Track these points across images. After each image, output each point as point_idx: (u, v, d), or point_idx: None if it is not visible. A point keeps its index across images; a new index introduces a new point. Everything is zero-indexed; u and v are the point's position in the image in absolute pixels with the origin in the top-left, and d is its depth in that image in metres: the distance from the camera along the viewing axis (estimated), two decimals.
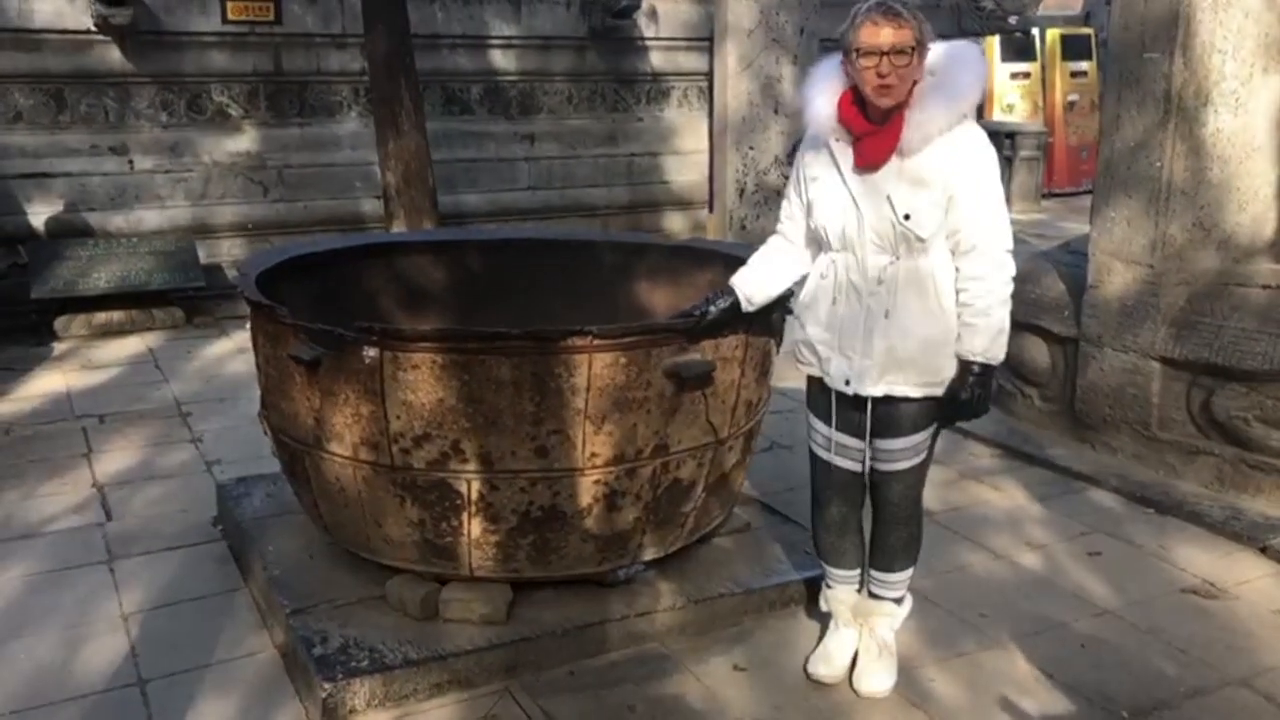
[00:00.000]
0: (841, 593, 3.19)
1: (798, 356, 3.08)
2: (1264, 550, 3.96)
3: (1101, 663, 3.28)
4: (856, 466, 3.04)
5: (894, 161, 2.77)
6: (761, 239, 9.59)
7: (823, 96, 2.84)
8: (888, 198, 2.77)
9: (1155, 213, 4.48)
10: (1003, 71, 12.83)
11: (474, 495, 3.09)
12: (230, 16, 7.76)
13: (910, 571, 3.14)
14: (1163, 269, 4.50)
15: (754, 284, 3.12)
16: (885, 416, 2.94)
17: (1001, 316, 2.82)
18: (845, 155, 2.84)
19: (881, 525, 3.09)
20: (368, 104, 8.22)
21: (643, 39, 9.07)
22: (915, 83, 2.74)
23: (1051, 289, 5.06)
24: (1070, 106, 13.18)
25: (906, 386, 2.88)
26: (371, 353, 3.00)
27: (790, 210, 3.06)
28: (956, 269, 2.81)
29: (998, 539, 4.10)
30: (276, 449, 3.51)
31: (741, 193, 8.71)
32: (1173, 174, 4.43)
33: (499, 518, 3.12)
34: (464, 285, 4.43)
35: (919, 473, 3.03)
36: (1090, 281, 4.77)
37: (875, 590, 3.15)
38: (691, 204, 9.45)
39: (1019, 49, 12.71)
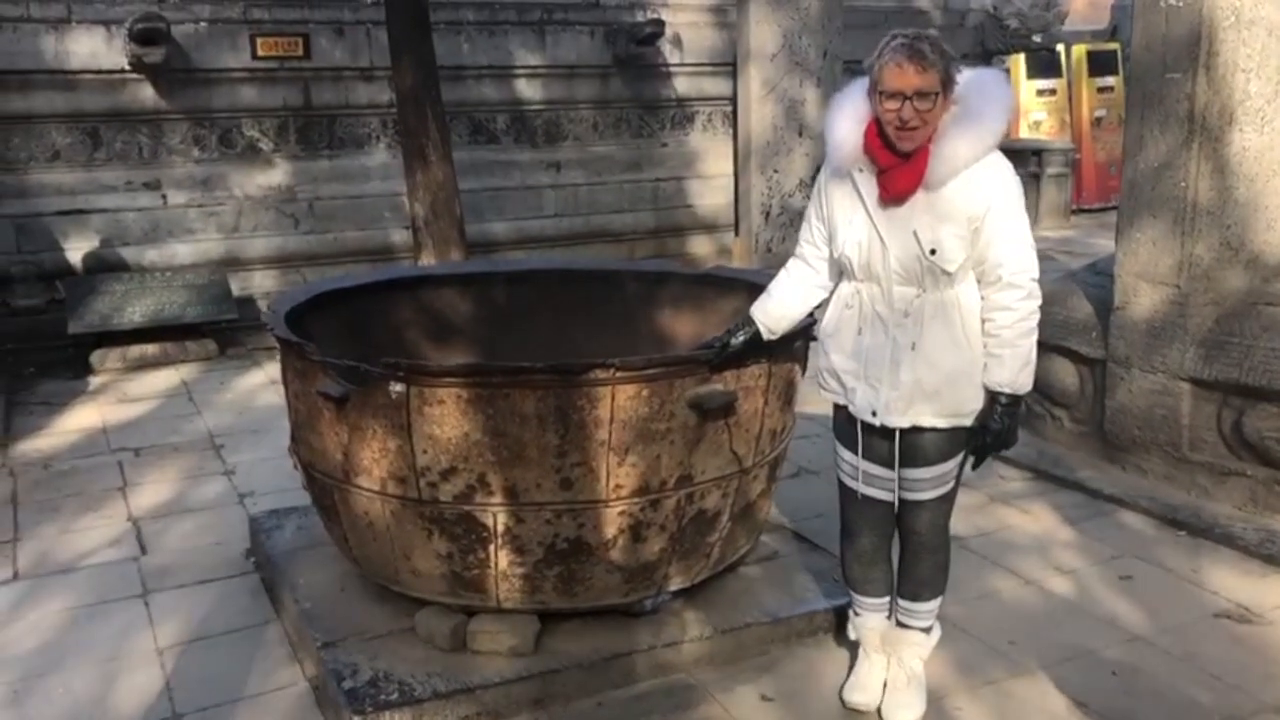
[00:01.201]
0: (870, 620, 3.19)
1: (821, 384, 3.10)
2: None
3: (1134, 690, 3.25)
4: (886, 495, 3.04)
5: (919, 194, 2.77)
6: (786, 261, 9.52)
7: (847, 125, 2.84)
8: (914, 233, 2.77)
9: (1181, 233, 4.46)
10: (1029, 89, 12.78)
11: (500, 528, 3.12)
12: (260, 53, 7.89)
13: (939, 601, 3.13)
14: (1190, 289, 4.48)
15: (773, 314, 3.13)
16: (912, 447, 2.94)
17: (1029, 346, 2.82)
18: (869, 187, 2.84)
19: (909, 554, 3.09)
20: (396, 135, 8.32)
21: (666, 65, 9.14)
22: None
23: (1078, 310, 5.04)
24: (1097, 122, 13.11)
25: (933, 417, 2.88)
26: (398, 388, 3.04)
27: (810, 234, 3.06)
28: (982, 299, 2.81)
29: (1027, 564, 4.08)
30: (306, 483, 3.56)
31: (767, 215, 8.75)
32: (1198, 194, 4.41)
33: (525, 550, 3.15)
34: (489, 317, 4.47)
35: (946, 502, 3.03)
36: (1117, 303, 4.75)
37: (903, 620, 3.14)
38: (717, 228, 9.48)
39: (1045, 66, 12.67)
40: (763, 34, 8.46)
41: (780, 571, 3.82)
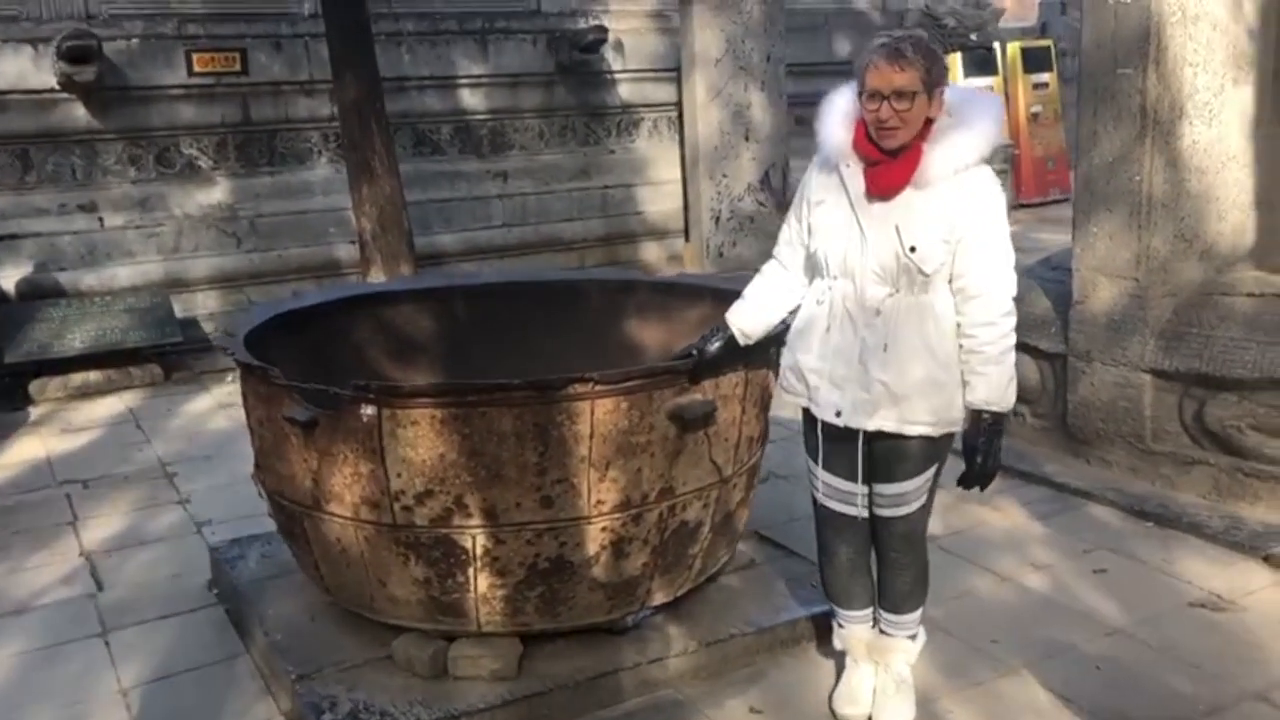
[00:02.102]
0: (855, 631, 3.16)
1: (784, 385, 3.06)
2: (1267, 559, 3.96)
3: (1118, 684, 3.26)
4: (854, 511, 3.01)
5: (906, 193, 2.75)
6: (738, 265, 9.61)
7: (837, 120, 2.83)
8: (895, 227, 2.75)
9: (1137, 226, 4.50)
10: (966, 87, 12.93)
11: (479, 550, 3.05)
12: (196, 69, 7.72)
13: (920, 610, 3.10)
14: (1148, 282, 4.53)
15: (749, 318, 3.10)
16: (882, 458, 2.91)
17: (1011, 363, 2.80)
18: (856, 181, 2.81)
19: (886, 569, 3.06)
20: (338, 149, 8.18)
21: (610, 72, 9.09)
22: (930, 120, 2.73)
23: (1036, 306, 5.08)
24: (1034, 118, 13.29)
25: (898, 423, 2.83)
26: (369, 411, 2.95)
27: (789, 235, 3.03)
28: (961, 314, 2.78)
29: (1002, 561, 4.08)
30: (273, 511, 3.46)
31: (717, 220, 8.75)
32: (1152, 187, 4.46)
33: (506, 571, 3.07)
34: (451, 333, 4.39)
35: (920, 517, 3.00)
36: (1076, 297, 4.79)
37: (887, 629, 3.11)
38: (667, 233, 9.45)
39: (981, 63, 12.82)
40: (706, 39, 8.45)
41: (759, 580, 3.79)
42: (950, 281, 2.79)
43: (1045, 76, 13.48)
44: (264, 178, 8.13)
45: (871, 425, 2.87)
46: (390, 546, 3.10)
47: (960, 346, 2.81)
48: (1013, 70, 13.21)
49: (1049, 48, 13.68)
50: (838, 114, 2.86)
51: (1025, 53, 13.20)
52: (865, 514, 3.02)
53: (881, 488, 2.96)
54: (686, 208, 9.18)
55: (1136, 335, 4.56)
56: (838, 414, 2.90)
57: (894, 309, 2.80)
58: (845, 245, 2.84)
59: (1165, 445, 4.55)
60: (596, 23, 8.80)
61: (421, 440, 2.96)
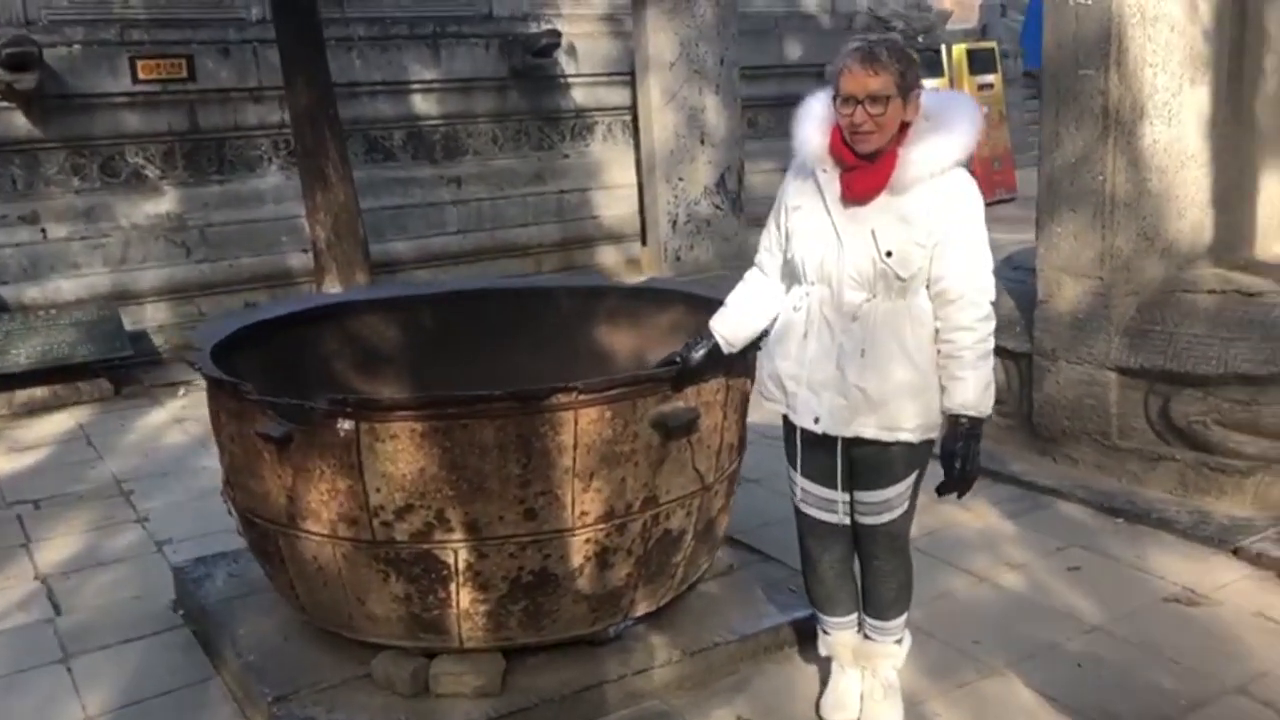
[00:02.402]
0: (840, 637, 3.14)
1: (763, 392, 3.03)
2: (1236, 552, 4.01)
3: (1101, 682, 3.28)
4: (835, 518, 2.99)
5: (882, 197, 2.74)
6: (696, 269, 9.60)
7: (813, 125, 2.81)
8: (871, 232, 2.74)
9: (1101, 226, 4.55)
10: None
11: (461, 565, 2.99)
12: (141, 76, 7.55)
13: (905, 615, 3.09)
14: (1112, 280, 4.57)
15: (732, 326, 3.07)
16: (862, 465, 2.89)
17: (988, 367, 2.79)
18: (832, 186, 2.79)
19: (870, 576, 3.05)
20: (289, 156, 8.06)
21: (564, 76, 9.05)
22: (906, 124, 2.72)
23: (1001, 306, 5.01)
24: None
25: (876, 429, 2.81)
26: (346, 425, 2.88)
27: (769, 241, 3.01)
28: (939, 318, 2.77)
29: (977, 561, 4.10)
30: (244, 529, 3.36)
31: (674, 224, 8.73)
32: (1115, 187, 4.50)
33: (489, 586, 3.02)
34: (419, 343, 4.32)
35: (904, 523, 2.99)
36: (1040, 296, 4.83)
37: (872, 635, 3.10)
38: (623, 238, 9.42)
39: (927, 65, 12.93)
40: (660, 42, 8.43)
41: (739, 586, 3.76)
42: (928, 285, 2.78)
43: (990, 78, 13.64)
44: (213, 186, 7.97)
45: (850, 432, 2.85)
46: (369, 563, 3.03)
47: (938, 351, 2.80)
48: (959, 72, 13.36)
49: (993, 49, 13.87)
50: (814, 119, 2.85)
51: (970, 54, 13.36)
52: (847, 521, 3.00)
53: (863, 495, 2.94)
54: (643, 212, 9.15)
55: (1101, 333, 4.60)
56: (816, 420, 2.88)
57: (871, 314, 2.79)
58: (822, 250, 2.82)
59: (1131, 442, 4.60)
60: (550, 27, 8.75)
61: (401, 454, 2.89)
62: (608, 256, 9.36)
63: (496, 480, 2.92)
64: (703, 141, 8.71)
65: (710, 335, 3.06)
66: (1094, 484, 4.63)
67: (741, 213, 9.01)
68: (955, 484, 2.83)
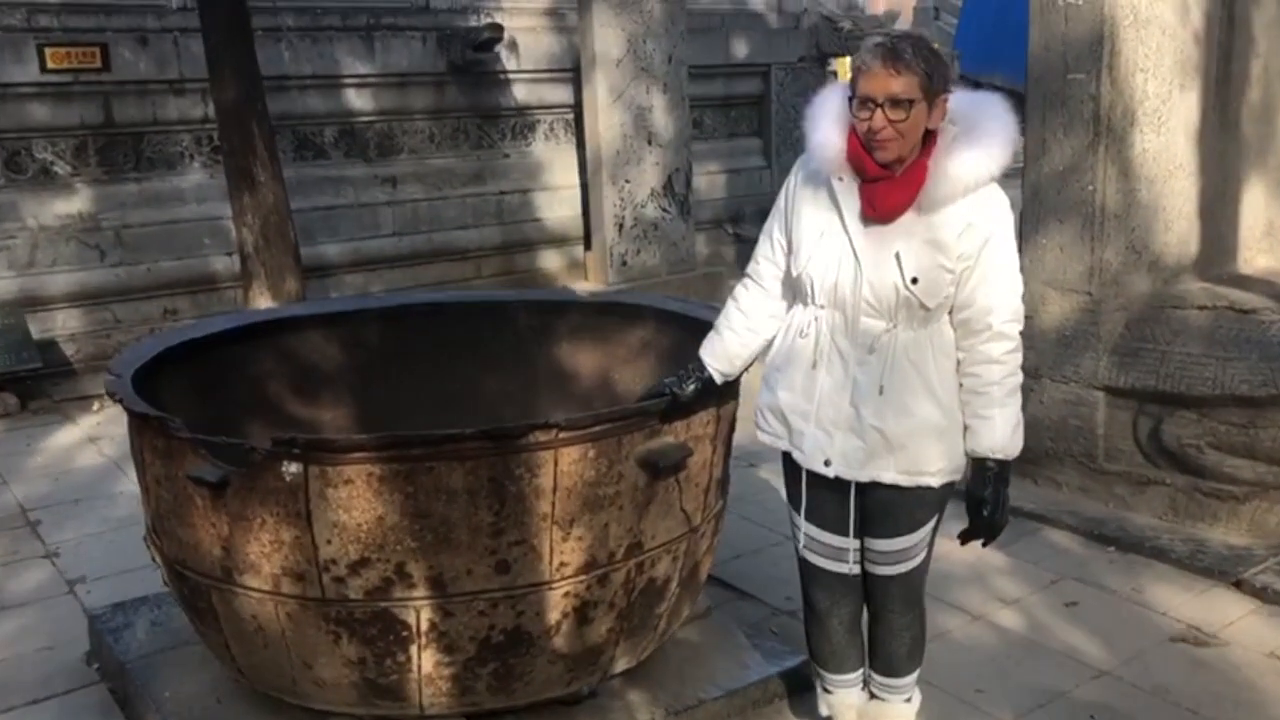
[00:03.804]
0: (844, 697, 2.85)
1: (761, 425, 2.73)
2: (1238, 585, 3.81)
3: None
4: (845, 569, 2.70)
5: (908, 215, 2.44)
6: (643, 274, 9.22)
7: (828, 125, 2.48)
8: (896, 255, 2.44)
9: (1090, 238, 4.33)
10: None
11: (424, 625, 2.63)
12: (51, 65, 6.99)
13: (918, 672, 2.82)
14: (1101, 296, 4.35)
15: (727, 354, 2.75)
16: (877, 511, 2.61)
17: (1017, 405, 2.52)
18: (850, 199, 2.49)
19: (881, 630, 2.76)
20: (212, 153, 7.57)
21: (504, 72, 8.65)
22: (932, 132, 2.42)
23: None
24: None
25: (895, 473, 2.53)
26: (293, 468, 2.51)
27: (770, 251, 2.67)
28: (963, 349, 2.49)
29: (969, 597, 3.84)
30: (172, 582, 2.96)
31: (620, 228, 8.41)
32: (1105, 197, 4.29)
33: (454, 647, 2.67)
34: (363, 362, 3.94)
35: (921, 574, 2.71)
36: (1025, 312, 4.59)
37: (880, 694, 2.82)
38: (566, 241, 9.06)
39: None
40: (607, 39, 8.09)
41: (719, 631, 3.45)
42: (951, 313, 2.50)
43: None
44: (130, 185, 7.43)
45: (866, 476, 2.56)
46: (318, 623, 2.65)
47: (961, 386, 2.51)
48: None
49: None
50: (830, 118, 2.51)
51: None
52: (857, 570, 2.71)
53: (877, 543, 2.66)
54: (587, 214, 8.80)
55: (1089, 351, 4.38)
56: (827, 463, 2.58)
57: (890, 345, 2.49)
58: (836, 273, 2.51)
59: (1118, 465, 4.39)
60: (490, 20, 8.35)
61: (356, 501, 2.53)
62: (550, 261, 9.00)
63: (465, 530, 2.57)
64: (650, 142, 8.39)
65: (702, 369, 2.74)
66: (1081, 509, 4.41)
67: (689, 217, 8.71)
68: (982, 532, 2.56)
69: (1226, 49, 4.50)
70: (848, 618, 2.77)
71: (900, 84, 2.33)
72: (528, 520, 2.60)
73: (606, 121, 8.18)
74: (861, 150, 2.43)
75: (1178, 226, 4.44)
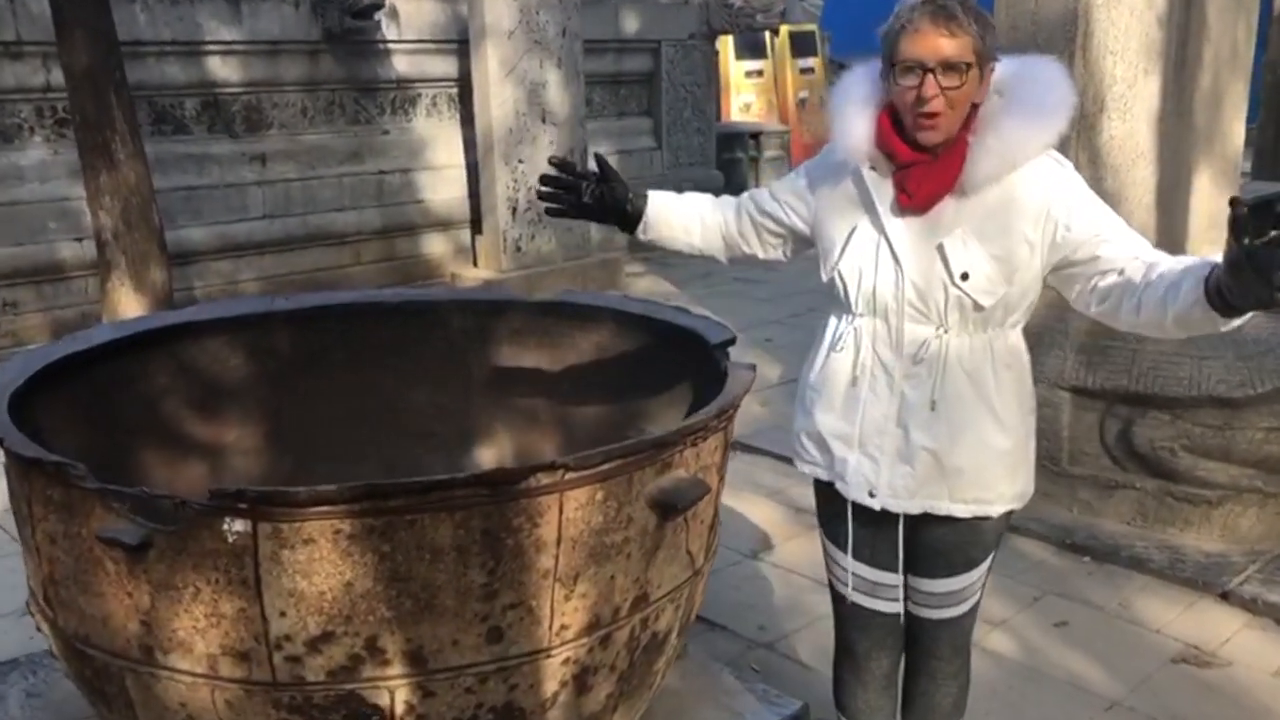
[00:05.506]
0: None
1: (800, 453, 2.39)
2: (1225, 596, 3.65)
3: None
4: (892, 608, 2.38)
5: (949, 202, 2.10)
6: (539, 260, 8.72)
7: (856, 108, 2.15)
8: (939, 249, 2.10)
9: None
10: (737, 70, 12.66)
11: (400, 708, 2.16)
12: None
13: None
14: None
15: (664, 206, 2.47)
16: (925, 547, 2.29)
17: None
18: (884, 190, 2.14)
19: (923, 680, 2.44)
20: (56, 126, 6.76)
21: (385, 42, 8.02)
22: (975, 105, 2.08)
23: None
24: (801, 104, 13.22)
25: (951, 503, 2.21)
26: (239, 526, 2.01)
27: (779, 208, 2.37)
28: (1124, 271, 2.03)
29: None
30: (67, 660, 2.40)
31: (514, 211, 7.92)
32: None
33: None
34: (272, 373, 3.40)
35: (972, 618, 2.40)
36: None
37: None
38: (452, 224, 8.49)
39: (752, 47, 12.58)
40: (497, 9, 7.56)
41: (701, 675, 3.07)
42: (1083, 282, 2.12)
43: (811, 61, 13.44)
44: None
45: (916, 507, 2.23)
46: (266, 711, 2.16)
47: (1152, 282, 1.97)
48: (781, 55, 13.07)
49: (814, 32, 13.66)
50: (855, 101, 2.17)
51: (794, 37, 13.09)
52: (901, 609, 2.38)
53: (924, 583, 2.33)
54: (475, 196, 8.26)
55: (1055, 350, 4.17)
56: (872, 494, 2.24)
57: (941, 353, 2.16)
58: (873, 275, 2.17)
59: (1084, 468, 4.20)
60: None
61: (319, 564, 2.04)
62: (436, 245, 8.42)
63: (452, 593, 2.11)
64: (544, 120, 7.91)
65: (644, 197, 2.46)
66: (1045, 515, 4.19)
67: None
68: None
69: (1184, 31, 4.33)
70: (888, 664, 2.44)
71: (954, 46, 1.98)
72: (526, 578, 2.17)
73: (498, 98, 7.67)
74: (891, 132, 2.09)
75: (1138, 217, 4.25)
